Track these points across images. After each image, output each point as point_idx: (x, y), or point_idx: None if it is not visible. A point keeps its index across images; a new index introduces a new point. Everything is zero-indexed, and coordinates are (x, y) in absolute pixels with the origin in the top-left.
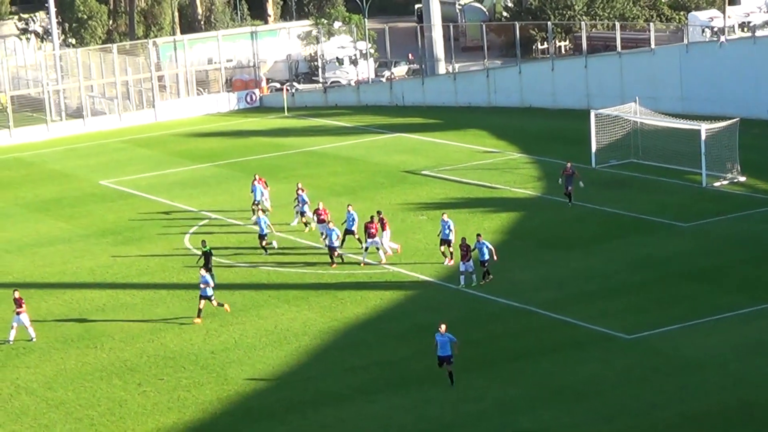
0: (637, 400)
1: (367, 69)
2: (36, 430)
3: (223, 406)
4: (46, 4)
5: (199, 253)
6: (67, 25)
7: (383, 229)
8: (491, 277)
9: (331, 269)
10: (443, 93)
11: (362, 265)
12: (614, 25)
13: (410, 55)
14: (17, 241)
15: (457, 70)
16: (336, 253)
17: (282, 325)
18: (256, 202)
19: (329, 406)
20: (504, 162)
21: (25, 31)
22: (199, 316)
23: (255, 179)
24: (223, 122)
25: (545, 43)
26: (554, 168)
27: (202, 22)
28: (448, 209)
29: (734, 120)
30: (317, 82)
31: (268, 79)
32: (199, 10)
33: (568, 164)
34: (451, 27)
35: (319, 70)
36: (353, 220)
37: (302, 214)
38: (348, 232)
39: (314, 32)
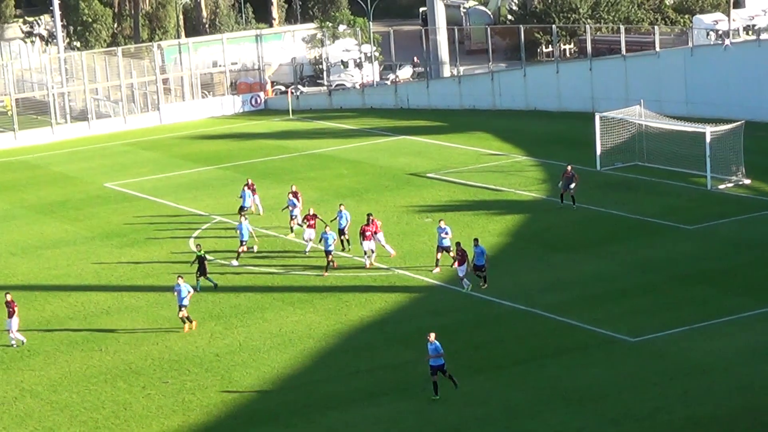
0: (643, 403)
1: (371, 72)
2: None
3: (228, 409)
4: (51, 8)
5: (202, 254)
6: (71, 28)
7: (375, 231)
8: (486, 285)
9: (332, 273)
10: (448, 96)
11: (368, 266)
12: (619, 28)
13: (415, 58)
14: (22, 243)
15: (461, 73)
16: (329, 258)
17: (286, 328)
18: (243, 208)
19: (334, 410)
20: (509, 165)
21: (30, 34)
22: (190, 322)
23: (247, 184)
24: (228, 125)
25: (550, 46)
26: (559, 171)
27: (207, 26)
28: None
29: (739, 123)
30: (322, 85)
31: (272, 82)
32: (204, 14)
33: (569, 167)
34: (456, 30)
35: (324, 73)
36: (345, 219)
37: (291, 217)
38: (339, 231)
39: (319, 35)
